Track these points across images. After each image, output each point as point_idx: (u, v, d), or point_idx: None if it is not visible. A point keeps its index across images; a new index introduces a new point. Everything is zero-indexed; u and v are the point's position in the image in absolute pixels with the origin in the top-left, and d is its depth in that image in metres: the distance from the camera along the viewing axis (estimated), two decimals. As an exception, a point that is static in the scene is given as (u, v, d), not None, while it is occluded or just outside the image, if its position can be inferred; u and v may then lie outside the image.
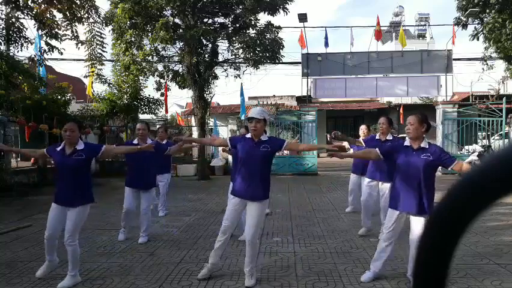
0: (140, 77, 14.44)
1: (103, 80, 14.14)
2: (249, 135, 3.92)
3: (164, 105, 15.24)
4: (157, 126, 16.98)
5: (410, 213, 3.66)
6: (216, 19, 13.80)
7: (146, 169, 5.41)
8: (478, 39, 14.58)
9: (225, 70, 14.64)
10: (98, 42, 13.03)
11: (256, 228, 3.76)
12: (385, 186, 5.16)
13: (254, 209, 3.76)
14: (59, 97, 12.13)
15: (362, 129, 6.67)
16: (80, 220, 3.92)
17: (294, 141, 3.55)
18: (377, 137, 5.62)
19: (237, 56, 14.01)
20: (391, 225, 3.75)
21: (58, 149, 3.98)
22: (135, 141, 5.51)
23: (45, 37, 11.04)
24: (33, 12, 10.70)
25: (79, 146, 3.95)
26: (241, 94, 15.05)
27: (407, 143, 3.75)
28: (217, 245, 3.92)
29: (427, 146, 3.61)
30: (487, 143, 13.98)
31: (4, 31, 10.16)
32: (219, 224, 6.42)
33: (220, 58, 14.24)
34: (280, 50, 13.50)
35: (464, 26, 14.90)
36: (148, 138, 5.55)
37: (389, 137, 5.41)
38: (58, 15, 11.31)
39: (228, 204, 3.95)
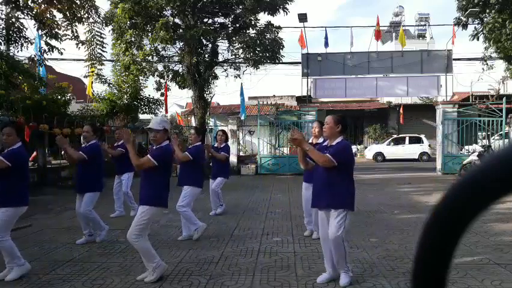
0: (140, 77, 14.44)
1: (103, 80, 14.13)
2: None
3: (164, 105, 15.24)
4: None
5: (323, 209, 3.77)
6: (216, 19, 13.80)
7: (80, 173, 5.42)
8: (478, 39, 14.58)
9: (225, 70, 14.64)
10: (98, 42, 13.02)
11: (131, 228, 3.85)
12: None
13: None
14: (59, 97, 12.12)
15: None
16: (3, 221, 3.87)
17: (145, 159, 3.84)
18: (310, 141, 5.50)
19: (237, 56, 14.01)
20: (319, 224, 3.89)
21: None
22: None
23: (45, 37, 11.03)
24: (33, 12, 10.69)
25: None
26: (241, 94, 15.06)
27: (326, 142, 4.00)
28: None
29: (334, 143, 3.76)
30: (487, 143, 13.98)
31: (4, 31, 10.16)
32: (219, 224, 6.45)
33: (220, 58, 14.24)
34: (280, 50, 13.50)
35: (464, 26, 14.89)
36: (94, 139, 5.48)
37: (320, 140, 5.17)
38: (58, 15, 11.32)
39: None
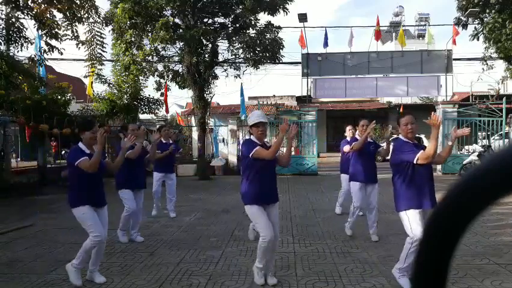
0: (140, 77, 14.42)
1: (103, 80, 14.13)
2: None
3: (164, 105, 15.24)
4: (157, 126, 17.10)
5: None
6: (216, 19, 13.80)
7: (140, 171, 5.67)
8: (478, 39, 14.58)
9: (225, 70, 14.64)
10: (98, 42, 13.03)
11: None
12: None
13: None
14: (59, 97, 12.13)
15: (349, 129, 6.85)
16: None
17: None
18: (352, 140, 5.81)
19: (237, 56, 14.01)
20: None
21: None
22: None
23: (45, 37, 11.03)
24: (33, 12, 10.69)
25: None
26: (241, 94, 15.06)
27: (407, 140, 3.86)
28: None
29: (414, 142, 3.89)
30: (487, 143, 13.97)
31: (4, 31, 10.16)
32: (219, 224, 6.44)
33: (220, 58, 14.24)
34: (280, 50, 13.50)
35: (464, 26, 14.90)
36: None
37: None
38: (58, 15, 11.32)
39: None
